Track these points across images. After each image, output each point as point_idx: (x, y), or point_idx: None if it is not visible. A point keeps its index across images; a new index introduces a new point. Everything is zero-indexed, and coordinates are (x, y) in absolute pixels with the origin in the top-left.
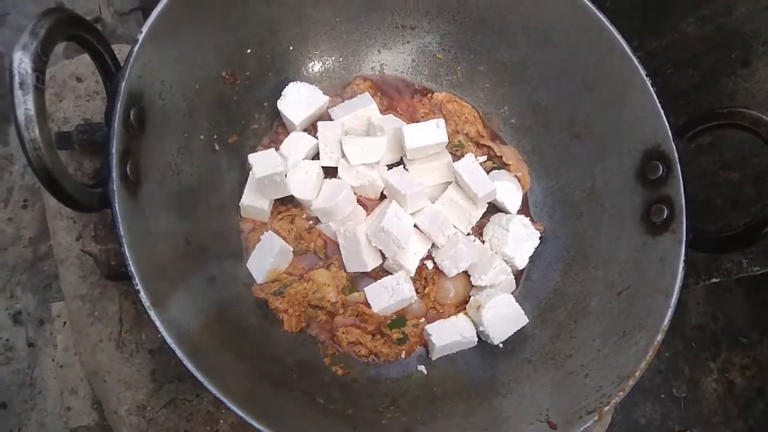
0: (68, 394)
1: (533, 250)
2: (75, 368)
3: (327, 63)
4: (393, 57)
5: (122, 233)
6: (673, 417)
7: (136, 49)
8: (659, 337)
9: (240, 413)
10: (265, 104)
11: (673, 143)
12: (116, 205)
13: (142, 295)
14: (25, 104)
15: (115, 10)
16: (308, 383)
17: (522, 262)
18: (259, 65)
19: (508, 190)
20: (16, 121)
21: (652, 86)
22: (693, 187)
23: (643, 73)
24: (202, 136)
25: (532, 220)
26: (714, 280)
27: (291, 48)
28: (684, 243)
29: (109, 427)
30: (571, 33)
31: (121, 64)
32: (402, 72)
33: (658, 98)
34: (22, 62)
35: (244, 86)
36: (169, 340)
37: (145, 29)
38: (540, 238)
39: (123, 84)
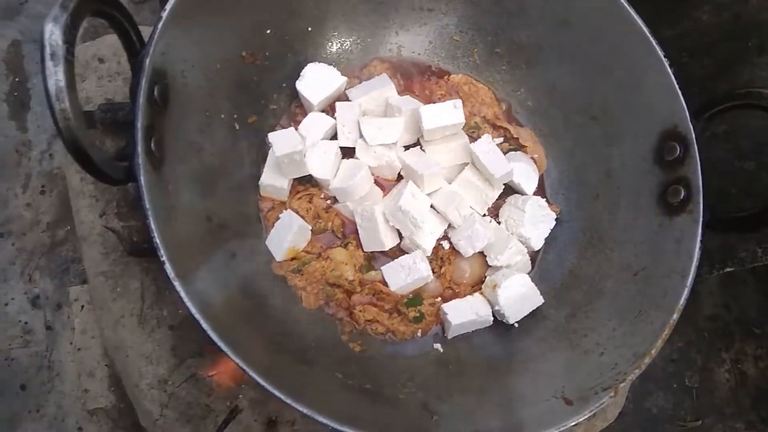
0: (86, 376)
1: (549, 231)
2: (92, 351)
3: (345, 44)
4: (410, 39)
5: (147, 206)
6: (685, 407)
7: (159, 25)
8: (675, 317)
9: (263, 383)
10: (284, 85)
11: (690, 123)
12: (142, 178)
13: (167, 267)
14: (56, 75)
15: None
16: (327, 359)
17: (538, 243)
18: (278, 46)
19: (524, 172)
20: (47, 91)
21: (670, 67)
22: (708, 176)
23: (660, 54)
24: (222, 116)
25: (548, 201)
26: (728, 269)
27: (309, 29)
28: (701, 223)
29: (125, 409)
30: (589, 14)
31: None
32: (419, 54)
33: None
34: (53, 34)
35: (263, 67)
36: (193, 310)
37: (168, 6)
38: (556, 220)
39: (147, 60)
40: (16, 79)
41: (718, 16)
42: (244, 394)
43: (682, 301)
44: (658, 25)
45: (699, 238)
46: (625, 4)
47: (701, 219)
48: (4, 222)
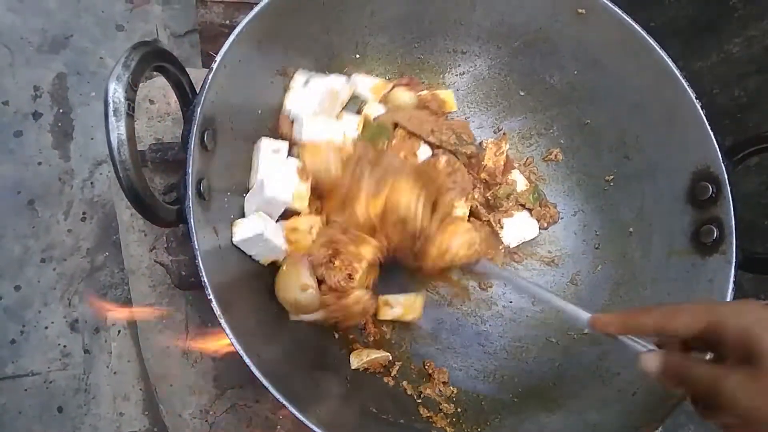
0: (121, 400)
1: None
2: (128, 375)
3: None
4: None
5: (196, 247)
6: None
7: (210, 76)
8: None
9: (306, 421)
10: None
11: (722, 165)
12: (192, 220)
13: (214, 305)
14: (117, 130)
15: (171, 33)
16: (362, 393)
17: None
18: None
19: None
20: (110, 144)
21: (701, 108)
22: (739, 210)
23: (692, 95)
24: None
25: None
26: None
27: (345, 71)
28: (734, 264)
29: None
30: (620, 56)
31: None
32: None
33: (706, 119)
34: (116, 92)
35: None
36: (238, 347)
37: (218, 59)
38: (588, 258)
39: (198, 109)
40: (60, 110)
41: (748, 48)
42: (281, 425)
43: None
44: (689, 58)
45: (732, 278)
46: (656, 46)
47: (734, 260)
48: (46, 248)
